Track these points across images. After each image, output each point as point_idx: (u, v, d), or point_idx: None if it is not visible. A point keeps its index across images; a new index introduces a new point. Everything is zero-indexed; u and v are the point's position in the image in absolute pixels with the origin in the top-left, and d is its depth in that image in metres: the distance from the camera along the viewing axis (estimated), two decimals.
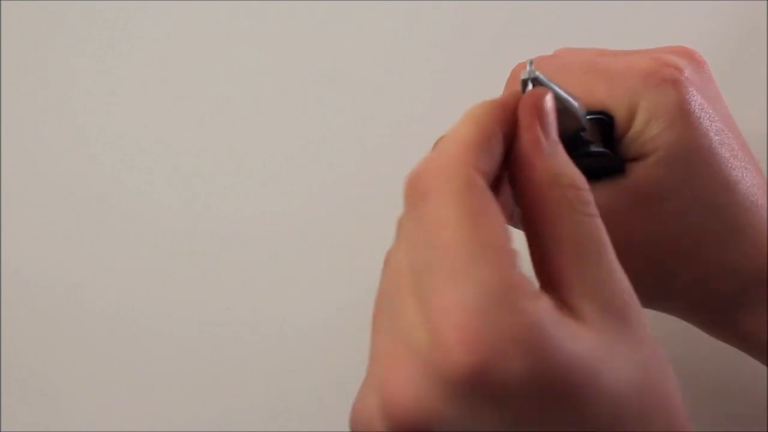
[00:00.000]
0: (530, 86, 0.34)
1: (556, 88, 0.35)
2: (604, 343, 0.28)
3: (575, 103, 0.36)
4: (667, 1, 0.56)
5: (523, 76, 0.34)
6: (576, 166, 0.36)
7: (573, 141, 0.36)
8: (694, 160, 0.38)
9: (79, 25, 0.58)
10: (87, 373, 0.50)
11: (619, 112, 0.38)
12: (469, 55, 0.56)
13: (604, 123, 0.38)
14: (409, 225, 0.29)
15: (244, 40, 0.58)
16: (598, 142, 0.38)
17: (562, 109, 0.35)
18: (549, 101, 0.32)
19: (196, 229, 0.53)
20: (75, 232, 0.54)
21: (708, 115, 0.38)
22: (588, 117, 0.38)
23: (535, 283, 0.30)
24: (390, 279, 0.30)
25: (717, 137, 0.38)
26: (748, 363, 0.47)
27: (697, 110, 0.38)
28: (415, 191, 0.29)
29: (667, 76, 0.38)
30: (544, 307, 0.27)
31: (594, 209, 0.31)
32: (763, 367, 0.46)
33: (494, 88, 0.55)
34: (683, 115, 0.37)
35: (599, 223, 0.31)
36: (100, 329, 0.51)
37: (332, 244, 0.52)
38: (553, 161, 0.31)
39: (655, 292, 0.39)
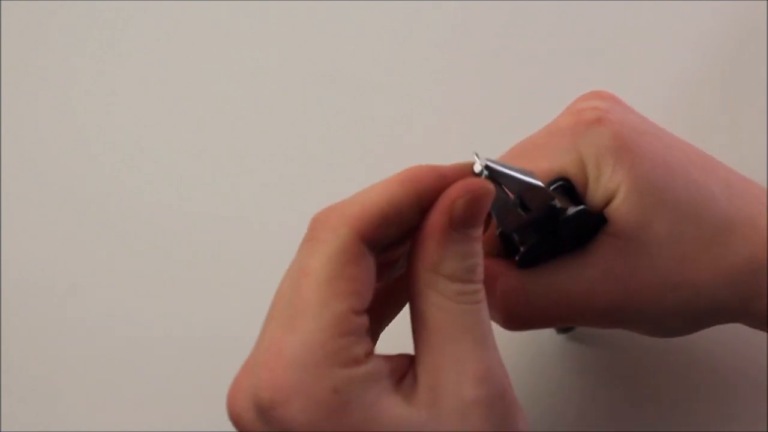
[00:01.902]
0: (485, 174, 0.34)
1: (511, 172, 0.35)
2: (419, 425, 0.31)
3: (534, 180, 0.36)
4: (667, 1, 0.56)
5: (477, 168, 0.34)
6: (562, 238, 0.37)
7: (549, 216, 0.37)
8: (655, 179, 0.37)
9: (79, 25, 0.59)
10: (87, 373, 0.50)
11: (570, 174, 0.38)
12: (470, 55, 0.56)
13: (567, 188, 0.38)
14: (296, 257, 0.33)
15: (244, 40, 0.58)
16: (572, 206, 0.38)
17: (527, 188, 0.35)
18: (486, 196, 0.33)
19: (196, 229, 0.53)
20: (75, 232, 0.54)
21: (648, 135, 0.38)
22: (550, 188, 0.38)
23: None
24: (275, 295, 0.33)
25: (666, 151, 0.38)
26: (748, 362, 0.47)
27: (634, 135, 0.38)
28: (310, 230, 0.33)
29: (590, 118, 0.38)
30: (353, 373, 0.31)
31: (473, 298, 0.33)
32: (763, 366, 0.47)
33: (495, 88, 0.55)
34: (624, 145, 0.37)
35: (474, 310, 0.33)
36: (100, 329, 0.51)
37: None
38: (437, 249, 0.33)
39: (686, 321, 0.39)
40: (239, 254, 0.53)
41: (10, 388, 0.50)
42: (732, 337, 0.47)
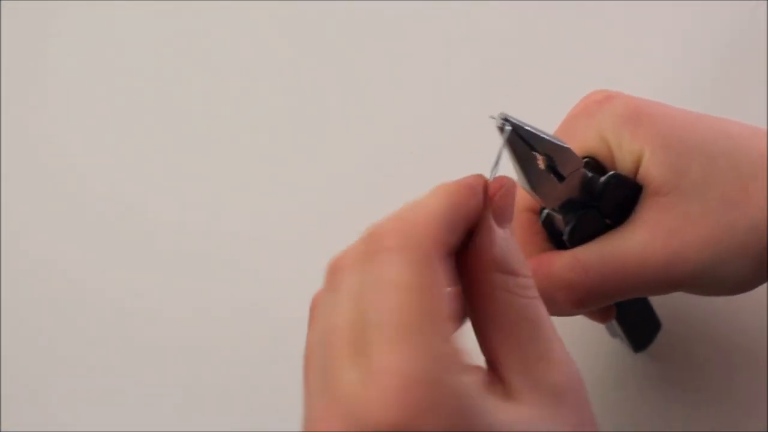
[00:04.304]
0: (507, 129, 0.34)
1: (530, 128, 0.35)
2: (530, 417, 0.30)
3: (556, 140, 0.36)
4: (667, 1, 0.56)
5: (497, 123, 0.34)
6: (603, 210, 0.37)
7: (586, 189, 0.37)
8: (678, 129, 0.38)
9: (79, 26, 0.59)
10: (87, 374, 0.50)
11: (594, 151, 0.39)
12: (471, 56, 0.56)
13: (594, 166, 0.39)
14: (361, 278, 0.31)
15: (243, 40, 0.58)
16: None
17: (553, 148, 0.36)
18: (512, 188, 0.33)
19: (197, 230, 0.53)
20: (75, 233, 0.54)
21: (658, 103, 0.39)
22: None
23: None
24: (326, 334, 0.31)
25: (678, 110, 0.39)
26: (748, 362, 0.47)
27: (645, 102, 0.39)
28: (377, 245, 0.31)
29: (599, 98, 0.39)
30: (469, 380, 0.30)
31: (533, 292, 0.32)
32: (763, 366, 0.47)
33: (497, 90, 0.55)
34: (639, 109, 0.38)
35: (536, 303, 0.32)
36: (101, 329, 0.51)
37: (334, 243, 0.52)
38: (499, 248, 0.32)
39: (752, 262, 0.38)
40: (241, 256, 0.53)
41: (10, 388, 0.50)
42: None
